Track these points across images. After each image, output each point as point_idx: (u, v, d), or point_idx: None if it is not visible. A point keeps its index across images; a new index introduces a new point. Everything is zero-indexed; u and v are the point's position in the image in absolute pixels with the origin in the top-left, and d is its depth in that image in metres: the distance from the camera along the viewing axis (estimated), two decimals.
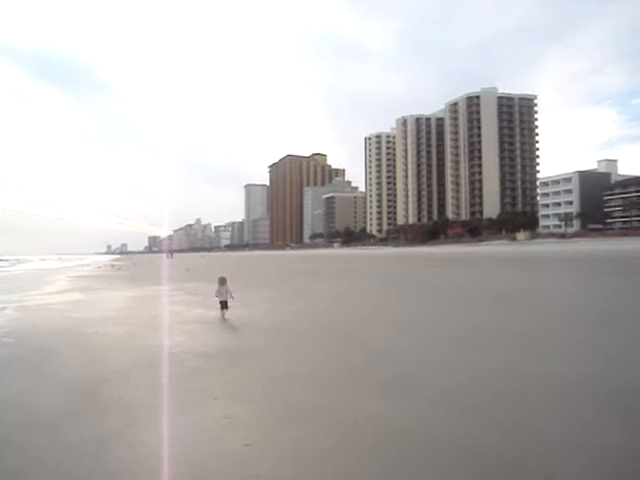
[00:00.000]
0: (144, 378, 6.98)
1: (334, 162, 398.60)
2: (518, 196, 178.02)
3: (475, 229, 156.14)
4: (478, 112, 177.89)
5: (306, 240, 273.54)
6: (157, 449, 4.43)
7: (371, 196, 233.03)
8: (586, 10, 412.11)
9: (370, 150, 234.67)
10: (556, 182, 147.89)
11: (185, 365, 7.55)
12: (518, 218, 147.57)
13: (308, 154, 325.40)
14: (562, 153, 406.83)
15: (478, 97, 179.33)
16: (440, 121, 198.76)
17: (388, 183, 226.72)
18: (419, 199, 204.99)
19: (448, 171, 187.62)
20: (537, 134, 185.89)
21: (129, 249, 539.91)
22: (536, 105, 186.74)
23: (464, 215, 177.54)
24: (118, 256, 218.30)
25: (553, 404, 5.39)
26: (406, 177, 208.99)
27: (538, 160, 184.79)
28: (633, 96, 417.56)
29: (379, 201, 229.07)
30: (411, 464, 4.05)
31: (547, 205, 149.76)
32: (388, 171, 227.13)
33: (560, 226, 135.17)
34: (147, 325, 11.88)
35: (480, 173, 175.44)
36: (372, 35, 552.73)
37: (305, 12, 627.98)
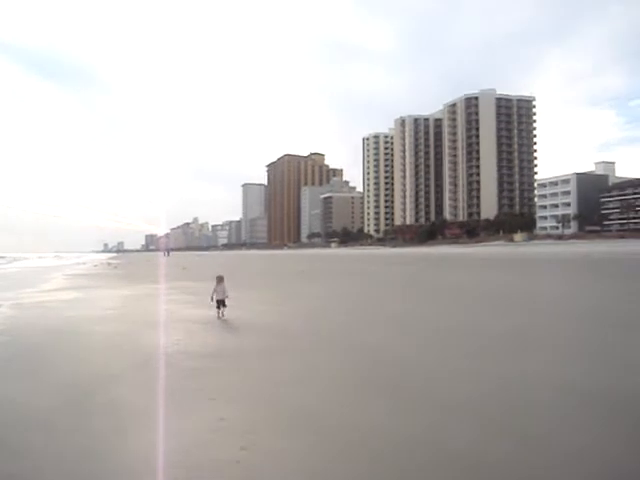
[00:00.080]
0: (139, 378, 6.90)
1: (334, 162, 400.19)
2: (516, 197, 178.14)
3: (472, 230, 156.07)
4: (476, 113, 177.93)
5: (304, 240, 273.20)
6: (150, 452, 4.35)
7: (369, 196, 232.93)
8: (585, 12, 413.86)
9: (368, 150, 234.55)
10: (554, 183, 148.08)
11: (180, 366, 7.47)
12: (516, 219, 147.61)
13: (306, 154, 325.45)
14: (560, 154, 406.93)
15: (477, 98, 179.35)
16: (438, 122, 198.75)
17: (386, 183, 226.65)
18: (417, 199, 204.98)
19: (446, 172, 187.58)
20: (535, 135, 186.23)
21: (126, 247, 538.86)
22: (534, 107, 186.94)
23: (462, 216, 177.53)
24: (115, 254, 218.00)
25: (564, 412, 5.32)
26: (404, 177, 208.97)
27: (536, 161, 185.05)
28: (632, 98, 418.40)
29: (377, 201, 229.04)
30: (415, 474, 3.97)
31: (545, 206, 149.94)
32: (386, 171, 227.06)
33: (557, 227, 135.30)
34: (143, 324, 11.81)
35: (478, 174, 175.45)
36: (372, 36, 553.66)
37: (305, 12, 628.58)
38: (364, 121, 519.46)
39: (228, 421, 5.04)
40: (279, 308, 14.74)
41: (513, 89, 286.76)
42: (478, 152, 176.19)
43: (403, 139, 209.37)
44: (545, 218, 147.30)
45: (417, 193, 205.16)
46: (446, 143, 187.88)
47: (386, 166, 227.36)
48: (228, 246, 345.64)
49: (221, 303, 12.45)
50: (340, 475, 3.94)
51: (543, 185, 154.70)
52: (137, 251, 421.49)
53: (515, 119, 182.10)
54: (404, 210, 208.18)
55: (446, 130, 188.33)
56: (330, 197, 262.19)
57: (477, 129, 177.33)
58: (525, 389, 6.05)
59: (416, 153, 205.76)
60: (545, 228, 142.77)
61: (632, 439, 4.50)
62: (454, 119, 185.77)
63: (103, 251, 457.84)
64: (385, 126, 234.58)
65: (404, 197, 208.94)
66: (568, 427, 4.79)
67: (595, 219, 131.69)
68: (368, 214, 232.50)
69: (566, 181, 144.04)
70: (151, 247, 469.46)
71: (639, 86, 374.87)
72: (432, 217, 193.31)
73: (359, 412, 5.31)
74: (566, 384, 6.18)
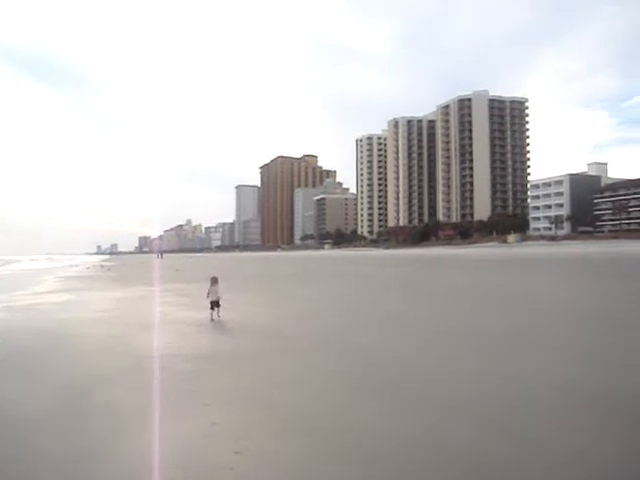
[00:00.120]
0: (131, 381, 6.81)
1: (327, 164, 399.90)
2: (509, 198, 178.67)
3: (466, 231, 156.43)
4: (469, 115, 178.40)
5: (297, 241, 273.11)
6: (143, 457, 4.26)
7: (362, 198, 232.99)
8: (578, 13, 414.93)
9: (361, 152, 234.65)
10: (547, 184, 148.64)
11: (174, 368, 7.38)
12: (509, 220, 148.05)
13: (299, 155, 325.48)
14: (553, 156, 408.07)
15: (470, 100, 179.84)
16: (432, 123, 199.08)
17: (379, 185, 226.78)
18: (410, 201, 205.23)
19: (439, 173, 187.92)
20: (528, 137, 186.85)
21: (119, 249, 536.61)
22: (527, 108, 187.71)
23: (455, 217, 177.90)
24: (108, 256, 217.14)
25: (564, 413, 5.27)
26: (397, 179, 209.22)
27: (529, 163, 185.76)
28: (624, 99, 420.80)
29: (370, 203, 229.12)
30: (414, 474, 3.91)
31: (538, 207, 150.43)
32: (379, 173, 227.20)
33: (550, 228, 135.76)
34: (136, 326, 11.71)
35: (471, 175, 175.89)
36: (366, 37, 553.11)
37: (298, 13, 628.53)
38: (358, 122, 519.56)
39: (221, 425, 4.95)
40: (273, 310, 14.66)
41: (507, 90, 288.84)
42: (471, 153, 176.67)
43: (396, 140, 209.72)
44: (538, 219, 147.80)
45: (410, 194, 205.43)
46: (439, 144, 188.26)
47: (379, 167, 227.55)
48: (221, 248, 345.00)
49: (215, 304, 12.39)
50: (334, 477, 3.87)
51: (536, 186, 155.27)
52: (130, 253, 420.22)
53: (508, 120, 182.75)
54: (397, 211, 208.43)
55: (439, 132, 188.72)
56: (323, 199, 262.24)
57: (470, 130, 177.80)
58: (524, 389, 6.00)
59: (409, 154, 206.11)
60: (538, 229, 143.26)
61: (632, 439, 4.46)
62: (447, 120, 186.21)
63: (96, 253, 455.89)
64: (379, 127, 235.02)
65: (397, 198, 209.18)
66: (568, 428, 4.75)
67: (588, 220, 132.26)
68: (362, 215, 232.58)
69: (559, 182, 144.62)
70: (144, 249, 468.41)
71: (631, 87, 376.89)
72: (425, 218, 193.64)
73: (353, 414, 5.24)
74: (566, 384, 6.14)
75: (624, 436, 4.53)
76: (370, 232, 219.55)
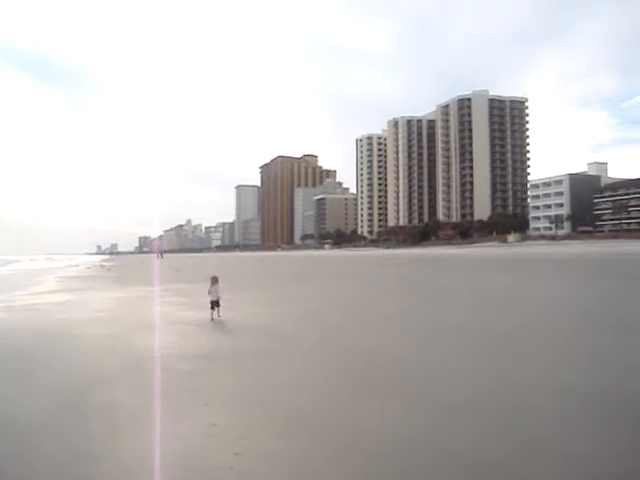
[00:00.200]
0: (131, 382, 6.81)
1: (327, 164, 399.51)
2: (509, 198, 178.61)
3: (466, 231, 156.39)
4: (469, 114, 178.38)
5: (297, 241, 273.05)
6: (143, 457, 4.26)
7: (362, 197, 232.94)
8: (578, 13, 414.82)
9: (361, 152, 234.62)
10: (547, 184, 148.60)
11: (174, 368, 7.38)
12: (509, 220, 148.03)
13: (299, 155, 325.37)
14: (553, 155, 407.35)
15: (469, 99, 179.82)
16: (431, 123, 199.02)
17: (379, 185, 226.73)
18: (410, 201, 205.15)
19: (439, 173, 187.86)
20: (528, 136, 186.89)
21: (119, 249, 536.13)
22: (527, 108, 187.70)
23: (455, 217, 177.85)
24: (108, 256, 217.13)
25: (564, 413, 5.26)
26: (397, 179, 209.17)
27: (529, 162, 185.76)
28: (624, 99, 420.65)
29: (370, 202, 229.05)
30: (414, 474, 3.90)
31: (538, 207, 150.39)
32: (379, 172, 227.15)
33: (550, 228, 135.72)
34: (136, 326, 11.71)
35: (471, 175, 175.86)
36: (366, 37, 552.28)
37: (298, 13, 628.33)
38: (358, 122, 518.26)
39: (221, 426, 4.95)
40: (273, 310, 14.65)
41: (507, 89, 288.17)
42: (471, 153, 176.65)
43: (396, 140, 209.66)
44: (538, 219, 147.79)
45: (410, 194, 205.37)
46: (439, 144, 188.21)
47: (379, 167, 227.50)
48: (221, 248, 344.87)
49: (215, 304, 12.39)
50: (334, 478, 3.87)
51: (536, 186, 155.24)
52: (130, 253, 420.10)
53: (508, 120, 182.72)
54: (397, 211, 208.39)
55: (439, 131, 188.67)
56: (323, 198, 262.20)
57: (470, 130, 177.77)
58: (524, 389, 5.99)
59: (409, 154, 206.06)
60: (538, 229, 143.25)
61: (633, 440, 4.45)
62: (447, 120, 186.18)
63: (96, 253, 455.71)
64: (379, 127, 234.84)
65: (397, 198, 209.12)
66: (568, 428, 4.74)
67: (588, 220, 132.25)
68: (362, 215, 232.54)
69: (559, 182, 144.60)
70: (144, 249, 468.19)
71: (631, 87, 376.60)
72: (425, 218, 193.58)
73: (353, 414, 5.23)
74: (566, 384, 6.13)
75: (624, 436, 4.52)
76: (370, 232, 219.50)
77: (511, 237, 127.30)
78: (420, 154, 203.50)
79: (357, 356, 8.04)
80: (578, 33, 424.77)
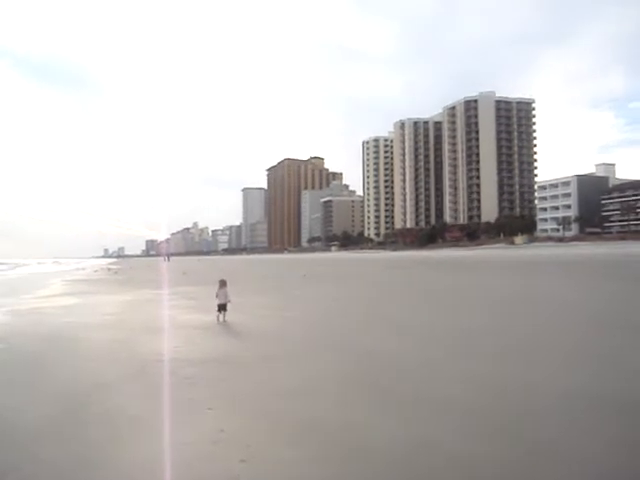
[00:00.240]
0: (136, 387, 6.73)
1: (334, 166, 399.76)
2: (516, 200, 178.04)
3: (473, 233, 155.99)
4: (476, 116, 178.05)
5: (304, 244, 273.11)
6: (148, 464, 4.18)
7: (369, 200, 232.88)
8: (585, 13, 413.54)
9: (368, 154, 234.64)
10: (554, 186, 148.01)
11: (180, 373, 7.29)
12: (516, 222, 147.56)
13: (306, 158, 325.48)
14: (560, 156, 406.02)
15: (476, 101, 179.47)
16: (438, 125, 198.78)
17: (386, 187, 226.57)
18: (417, 203, 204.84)
19: (446, 175, 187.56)
20: (535, 138, 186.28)
21: (126, 252, 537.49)
22: (534, 109, 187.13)
23: (462, 219, 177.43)
24: (115, 259, 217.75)
25: (572, 415, 5.15)
26: (404, 181, 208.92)
27: (536, 164, 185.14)
28: (631, 100, 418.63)
29: (377, 205, 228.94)
30: None
31: (545, 209, 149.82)
32: (386, 175, 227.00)
33: (558, 230, 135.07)
34: (142, 331, 11.64)
35: (478, 177, 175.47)
36: (372, 38, 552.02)
37: (305, 15, 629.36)
38: (364, 124, 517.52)
39: (228, 432, 4.85)
40: (282, 313, 14.58)
41: (514, 90, 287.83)
42: (478, 155, 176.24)
43: (403, 142, 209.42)
44: (546, 220, 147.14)
45: (417, 196, 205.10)
46: (446, 146, 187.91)
47: (386, 169, 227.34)
48: (228, 251, 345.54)
49: (222, 307, 12.31)
50: None
51: (543, 187, 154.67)
52: (137, 256, 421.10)
53: (515, 121, 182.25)
54: (404, 213, 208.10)
55: (446, 133, 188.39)
56: (330, 201, 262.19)
57: (477, 132, 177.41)
58: (533, 392, 5.88)
59: (416, 156, 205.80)
60: (546, 230, 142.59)
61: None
62: (454, 122, 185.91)
63: (103, 256, 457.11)
64: (385, 129, 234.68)
65: (404, 200, 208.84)
66: (576, 430, 4.65)
67: (596, 221, 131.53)
68: (368, 218, 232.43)
69: (566, 183, 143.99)
70: (152, 252, 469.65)
71: (638, 88, 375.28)
72: (432, 220, 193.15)
73: (364, 422, 5.12)
74: (574, 386, 6.02)
75: (634, 438, 4.42)
76: (377, 234, 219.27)
77: (519, 239, 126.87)
78: (427, 156, 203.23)
79: (368, 361, 7.95)
80: (585, 33, 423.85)
